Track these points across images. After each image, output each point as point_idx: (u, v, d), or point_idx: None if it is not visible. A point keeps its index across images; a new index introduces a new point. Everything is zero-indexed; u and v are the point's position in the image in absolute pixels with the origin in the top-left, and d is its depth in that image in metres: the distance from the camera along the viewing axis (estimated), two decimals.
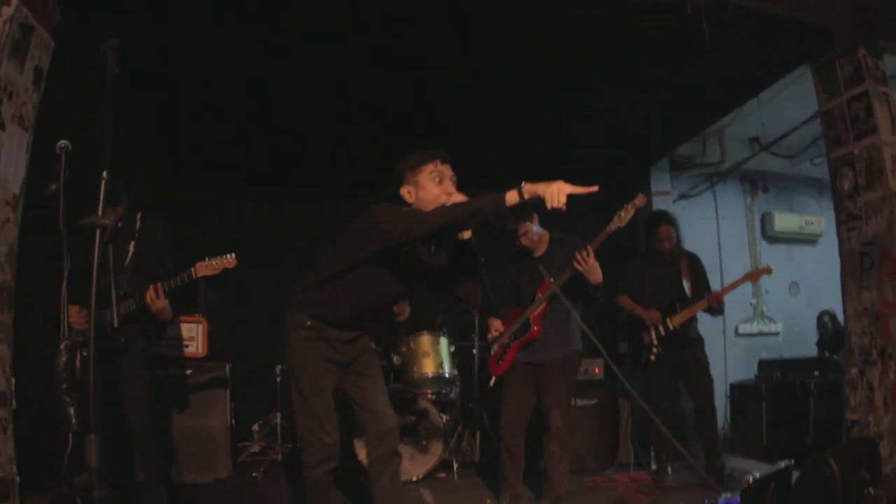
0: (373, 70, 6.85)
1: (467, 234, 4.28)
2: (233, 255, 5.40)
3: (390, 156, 8.46)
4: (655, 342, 6.96)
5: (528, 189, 3.68)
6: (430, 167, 4.21)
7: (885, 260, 5.72)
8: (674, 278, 7.10)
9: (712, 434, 7.02)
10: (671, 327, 6.92)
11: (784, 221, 11.22)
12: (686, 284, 7.05)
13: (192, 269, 5.29)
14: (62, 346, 3.64)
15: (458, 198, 4.13)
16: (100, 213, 3.21)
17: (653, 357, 6.97)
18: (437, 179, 4.19)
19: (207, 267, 5.32)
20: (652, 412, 5.48)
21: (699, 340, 7.18)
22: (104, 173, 3.23)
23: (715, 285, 7.27)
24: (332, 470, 4.42)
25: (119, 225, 3.26)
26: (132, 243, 5.43)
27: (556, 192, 3.63)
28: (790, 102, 7.99)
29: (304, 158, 8.79)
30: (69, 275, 3.75)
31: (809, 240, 11.46)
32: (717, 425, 7.26)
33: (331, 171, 9.04)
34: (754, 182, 11.31)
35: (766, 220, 11.28)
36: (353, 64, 6.71)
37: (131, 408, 5.08)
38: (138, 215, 5.47)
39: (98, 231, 3.20)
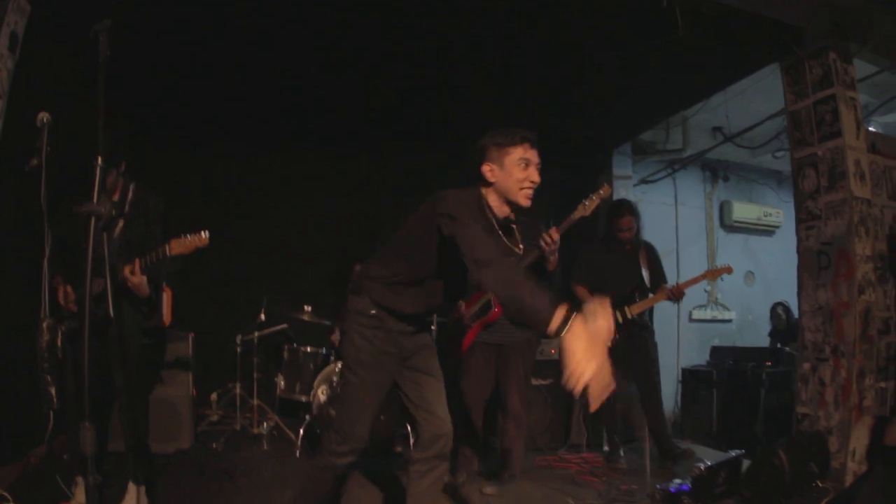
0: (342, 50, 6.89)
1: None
2: (205, 232, 5.22)
3: (357, 121, 8.54)
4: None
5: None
6: (520, 151, 3.97)
7: (842, 261, 5.86)
8: (633, 267, 7.14)
9: (660, 420, 7.13)
10: (628, 316, 6.98)
11: (742, 211, 11.37)
12: (645, 274, 7.11)
13: (167, 245, 5.15)
14: (43, 325, 3.63)
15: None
16: (94, 200, 3.16)
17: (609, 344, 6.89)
18: (524, 164, 3.95)
19: (181, 244, 5.15)
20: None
21: (649, 330, 7.33)
22: (98, 159, 3.18)
23: (671, 270, 7.40)
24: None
25: (113, 212, 3.23)
26: (121, 217, 5.45)
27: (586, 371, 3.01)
28: (757, 95, 8.06)
29: (273, 120, 8.75)
30: (51, 252, 3.71)
31: (767, 231, 11.65)
32: (664, 411, 7.35)
33: (302, 134, 9.03)
34: (715, 171, 11.46)
35: (724, 209, 11.43)
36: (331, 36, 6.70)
37: (120, 377, 5.09)
38: (131, 186, 5.45)
39: (93, 219, 3.16)
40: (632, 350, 7.01)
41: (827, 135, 6.04)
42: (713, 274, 7.07)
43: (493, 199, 4.06)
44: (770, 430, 7.76)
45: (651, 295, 7.06)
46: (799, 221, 6.39)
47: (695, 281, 7.01)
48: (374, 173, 9.62)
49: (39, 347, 3.60)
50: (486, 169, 4.01)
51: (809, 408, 6.01)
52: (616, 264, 7.21)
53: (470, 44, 6.82)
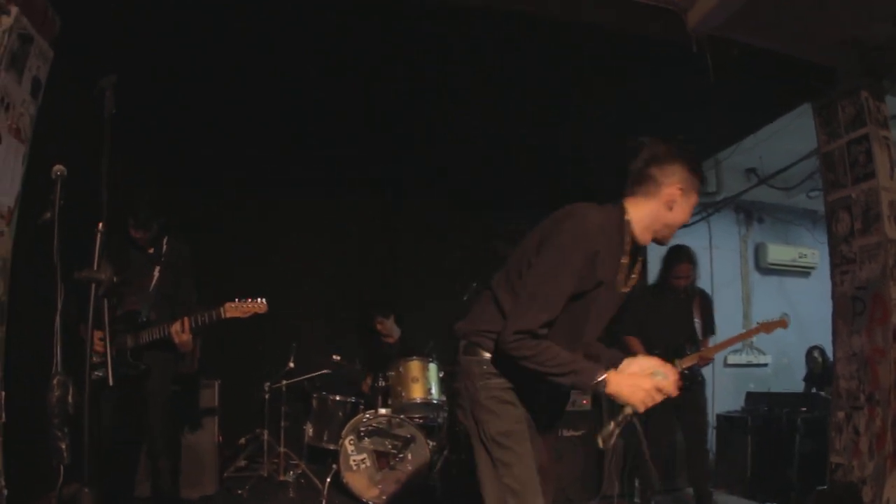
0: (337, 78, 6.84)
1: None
2: (263, 300, 5.36)
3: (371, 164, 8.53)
4: None
5: (611, 388, 3.09)
6: (698, 186, 3.46)
7: (877, 306, 5.72)
8: (685, 317, 6.92)
9: (702, 474, 6.94)
10: (679, 369, 6.18)
11: (778, 253, 11.22)
12: (697, 324, 6.90)
13: (221, 308, 5.29)
14: (54, 381, 3.57)
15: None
16: (95, 266, 3.11)
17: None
18: (692, 204, 3.44)
19: (237, 309, 5.30)
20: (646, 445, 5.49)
21: (701, 382, 6.98)
22: (99, 225, 3.13)
23: None
24: None
25: (114, 278, 3.17)
26: (158, 267, 5.57)
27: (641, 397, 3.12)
28: (789, 135, 7.95)
29: (296, 166, 8.72)
30: (63, 307, 3.64)
31: (803, 272, 11.47)
32: (708, 464, 7.18)
33: (323, 177, 8.98)
34: (749, 213, 11.32)
35: (759, 251, 11.28)
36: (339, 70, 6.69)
37: (157, 428, 5.32)
38: (165, 239, 5.60)
39: (93, 286, 3.10)
40: (682, 404, 6.55)
41: (860, 176, 5.93)
42: (768, 327, 6.66)
43: (643, 223, 3.43)
44: (805, 477, 7.54)
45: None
46: (833, 266, 6.28)
47: (750, 334, 6.82)
48: (392, 218, 9.63)
49: (50, 403, 3.54)
50: (671, 190, 3.37)
51: (843, 457, 5.85)
52: (669, 314, 6.94)
53: (496, 91, 6.83)
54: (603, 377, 3.08)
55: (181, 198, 8.04)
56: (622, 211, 3.43)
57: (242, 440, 8.12)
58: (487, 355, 3.36)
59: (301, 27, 5.81)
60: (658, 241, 3.53)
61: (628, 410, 3.26)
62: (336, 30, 5.89)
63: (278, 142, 7.95)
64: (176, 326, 5.20)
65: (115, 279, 3.18)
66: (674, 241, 5.35)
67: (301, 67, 6.52)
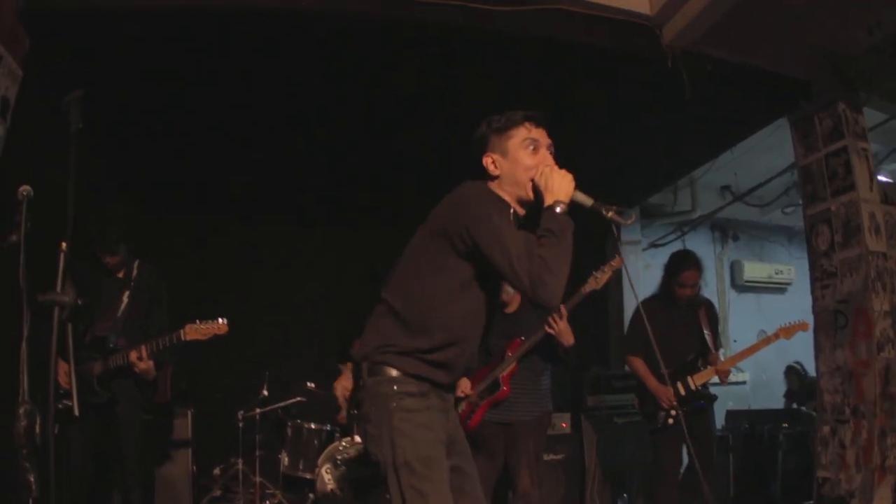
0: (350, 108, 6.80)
1: None
2: (224, 320, 5.22)
3: (372, 192, 8.48)
4: (675, 403, 6.10)
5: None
6: (523, 132, 3.37)
7: (860, 318, 5.70)
8: (694, 330, 6.42)
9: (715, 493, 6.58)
10: (692, 387, 6.21)
11: (753, 270, 11.28)
12: (707, 336, 6.37)
13: (182, 331, 5.14)
14: (21, 411, 3.44)
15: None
16: (58, 289, 3.00)
17: (671, 420, 6.15)
18: (531, 147, 3.35)
19: (197, 331, 5.15)
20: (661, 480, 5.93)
21: (713, 400, 6.49)
22: (62, 244, 3.03)
23: None
24: None
25: (78, 301, 3.07)
26: (127, 293, 5.45)
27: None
28: (764, 152, 7.99)
29: (271, 197, 8.76)
30: (29, 333, 3.50)
31: (779, 288, 11.52)
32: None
33: (300, 205, 8.99)
34: (724, 230, 11.38)
35: (735, 269, 11.35)
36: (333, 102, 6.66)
37: (128, 457, 5.22)
38: (136, 263, 5.52)
39: (56, 309, 2.99)
40: (696, 426, 6.12)
41: (840, 189, 5.92)
42: (787, 332, 6.23)
43: (504, 197, 3.39)
44: (789, 493, 7.56)
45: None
46: (814, 280, 6.25)
47: (765, 343, 6.34)
48: (372, 244, 9.54)
49: (17, 434, 3.41)
50: (487, 161, 3.42)
51: (830, 471, 5.81)
52: (675, 328, 6.34)
53: (471, 109, 6.75)
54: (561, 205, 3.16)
55: (157, 222, 8.02)
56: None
57: (217, 470, 7.92)
58: (395, 373, 3.17)
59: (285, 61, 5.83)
60: (529, 202, 3.43)
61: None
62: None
63: (257, 166, 7.86)
64: (134, 354, 5.09)
65: (79, 302, 3.05)
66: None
67: (288, 97, 6.50)
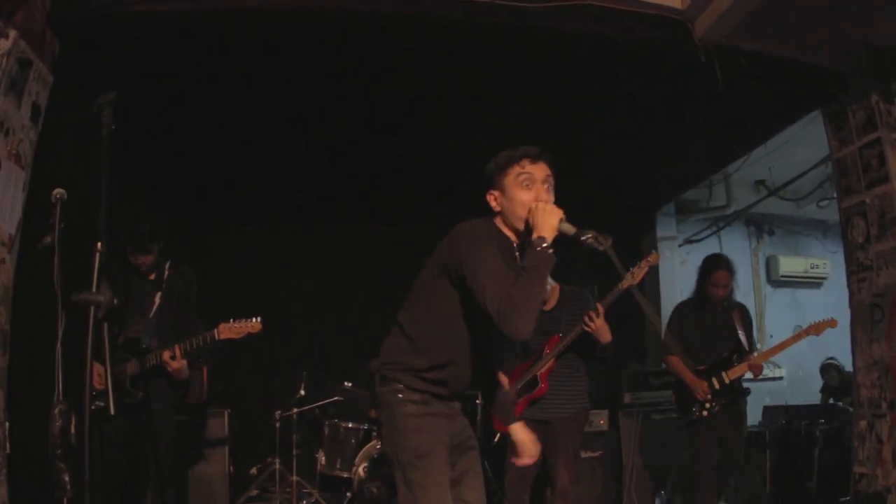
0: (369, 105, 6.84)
1: None
2: (258, 319, 5.28)
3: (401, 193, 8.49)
4: (709, 396, 6.37)
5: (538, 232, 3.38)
6: (517, 169, 3.58)
7: None
8: (728, 329, 6.64)
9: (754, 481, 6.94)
10: (726, 381, 6.39)
11: (789, 265, 11.16)
12: (742, 336, 6.60)
13: (215, 330, 5.21)
14: (56, 411, 3.47)
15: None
16: (94, 288, 3.01)
17: (705, 413, 6.41)
18: (526, 183, 3.55)
19: (231, 330, 5.21)
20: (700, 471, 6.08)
21: (746, 394, 6.72)
22: (98, 244, 3.03)
23: None
24: None
25: (115, 301, 3.08)
26: (159, 294, 5.52)
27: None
28: (798, 145, 7.92)
29: (305, 193, 8.82)
30: (64, 334, 3.54)
31: (815, 283, 11.39)
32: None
33: (336, 209, 9.07)
34: (760, 225, 11.26)
35: (770, 264, 11.23)
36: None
37: (164, 459, 5.29)
38: (167, 264, 5.58)
39: (92, 309, 3.00)
40: (729, 419, 6.50)
41: (874, 180, 5.84)
42: (818, 328, 6.39)
43: (507, 232, 3.68)
44: (825, 489, 7.49)
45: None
46: (850, 274, 6.19)
47: (796, 339, 6.49)
48: (409, 244, 9.55)
49: (52, 434, 3.45)
50: (489, 198, 3.70)
51: (867, 467, 5.74)
52: (710, 327, 6.70)
53: (506, 105, 6.77)
54: (543, 242, 3.34)
55: (196, 222, 8.22)
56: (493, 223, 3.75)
57: (254, 469, 8.00)
58: (399, 385, 3.58)
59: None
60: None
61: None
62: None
63: (291, 165, 7.95)
64: (167, 354, 5.16)
65: (114, 301, 3.05)
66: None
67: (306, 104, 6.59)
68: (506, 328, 3.23)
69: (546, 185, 3.60)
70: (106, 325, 3.19)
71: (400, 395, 3.56)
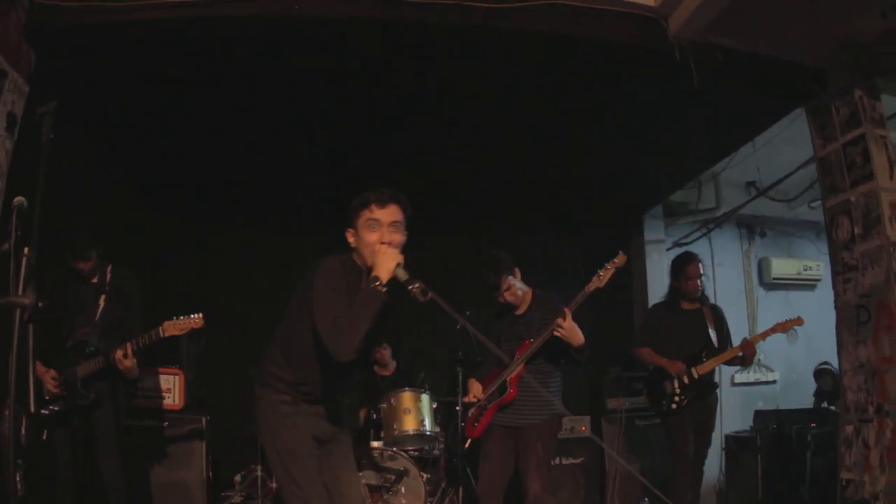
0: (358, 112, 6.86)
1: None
2: (199, 315, 5.48)
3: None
4: (678, 391, 6.65)
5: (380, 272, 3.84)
6: (366, 213, 4.03)
7: (882, 313, 5.53)
8: (699, 327, 6.87)
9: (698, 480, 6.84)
10: (695, 376, 6.62)
11: (782, 267, 11.06)
12: (713, 334, 6.83)
13: (160, 328, 5.41)
14: (6, 412, 3.43)
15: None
16: (19, 291, 2.97)
17: (674, 406, 6.68)
18: (373, 226, 4.01)
19: (175, 326, 5.42)
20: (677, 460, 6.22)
21: (714, 386, 6.98)
22: (25, 249, 3.04)
23: None
24: None
25: (39, 304, 3.01)
26: (103, 297, 5.67)
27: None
28: (786, 144, 7.83)
29: (285, 201, 8.83)
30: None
31: (808, 285, 11.28)
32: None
33: (314, 214, 8.93)
34: (751, 227, 11.17)
35: (763, 266, 11.14)
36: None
37: (105, 462, 5.36)
38: (108, 268, 5.74)
39: (17, 311, 2.95)
40: (699, 413, 6.74)
41: (859, 178, 5.75)
42: (784, 326, 6.76)
43: (360, 265, 4.13)
44: (817, 494, 7.42)
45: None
46: (835, 274, 6.13)
47: (765, 335, 6.76)
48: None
49: (3, 435, 3.39)
50: (348, 235, 4.15)
51: (854, 473, 5.64)
52: (682, 325, 6.97)
53: (494, 110, 6.76)
54: (377, 281, 3.80)
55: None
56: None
57: (238, 476, 7.99)
58: (273, 388, 4.15)
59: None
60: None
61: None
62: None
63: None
64: (119, 352, 5.29)
65: (39, 304, 3.00)
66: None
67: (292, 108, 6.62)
68: (330, 347, 3.74)
69: (392, 229, 4.03)
70: (31, 328, 3.14)
71: (273, 396, 4.11)
